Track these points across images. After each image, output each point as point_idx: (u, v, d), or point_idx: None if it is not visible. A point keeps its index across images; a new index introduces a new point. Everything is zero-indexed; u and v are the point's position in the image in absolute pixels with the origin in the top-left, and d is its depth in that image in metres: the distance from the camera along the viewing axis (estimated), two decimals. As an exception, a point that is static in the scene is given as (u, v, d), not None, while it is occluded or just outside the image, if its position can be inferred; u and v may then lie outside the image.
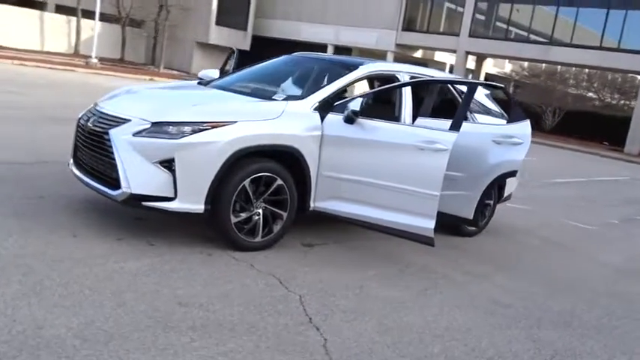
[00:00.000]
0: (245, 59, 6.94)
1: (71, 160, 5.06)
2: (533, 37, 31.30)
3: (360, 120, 4.84)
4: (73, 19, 36.23)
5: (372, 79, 6.38)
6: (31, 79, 17.14)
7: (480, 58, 34.65)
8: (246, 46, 36.57)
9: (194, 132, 4.34)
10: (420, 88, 5.63)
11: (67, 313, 3.22)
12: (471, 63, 35.13)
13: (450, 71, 35.04)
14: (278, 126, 4.67)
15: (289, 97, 5.06)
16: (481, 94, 6.47)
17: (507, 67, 43.93)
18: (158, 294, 3.65)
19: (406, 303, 4.18)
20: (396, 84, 5.41)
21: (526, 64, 39.33)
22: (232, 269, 4.27)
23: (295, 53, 6.43)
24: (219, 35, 36.01)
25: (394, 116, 5.53)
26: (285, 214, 4.82)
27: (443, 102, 6.16)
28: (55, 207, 5.01)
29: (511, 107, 5.79)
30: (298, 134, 4.75)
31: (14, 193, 5.20)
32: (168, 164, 4.30)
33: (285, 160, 4.77)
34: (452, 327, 3.90)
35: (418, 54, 36.04)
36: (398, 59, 34.57)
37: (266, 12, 38.77)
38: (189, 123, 4.38)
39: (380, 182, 4.77)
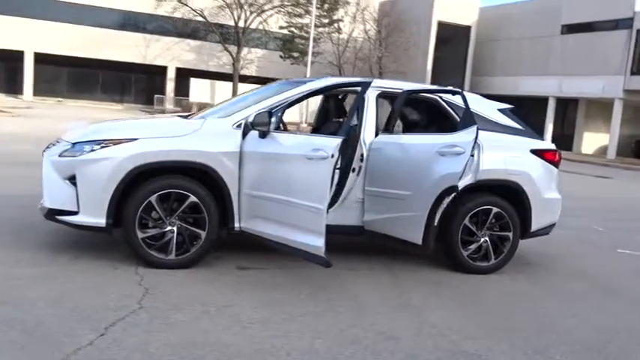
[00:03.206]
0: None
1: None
2: None
3: (273, 133, 4.59)
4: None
5: (330, 94, 5.97)
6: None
7: None
8: (462, 104, 36.13)
9: (99, 149, 4.58)
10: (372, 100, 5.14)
11: None
12: None
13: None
14: (186, 143, 4.65)
15: (220, 117, 5.02)
16: (493, 109, 5.57)
17: None
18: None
19: (254, 325, 3.72)
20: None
21: None
22: (112, 281, 4.28)
23: (285, 80, 6.30)
24: (433, 96, 36.24)
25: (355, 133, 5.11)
26: (203, 233, 4.71)
27: (430, 116, 5.46)
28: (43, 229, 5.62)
29: (464, 113, 4.83)
30: (210, 151, 4.65)
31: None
32: (74, 180, 4.58)
33: (201, 177, 4.71)
34: (262, 349, 3.38)
35: (655, 99, 31.43)
36: (629, 107, 30.80)
37: (484, 70, 38.04)
38: (98, 141, 4.63)
39: (282, 197, 4.42)
